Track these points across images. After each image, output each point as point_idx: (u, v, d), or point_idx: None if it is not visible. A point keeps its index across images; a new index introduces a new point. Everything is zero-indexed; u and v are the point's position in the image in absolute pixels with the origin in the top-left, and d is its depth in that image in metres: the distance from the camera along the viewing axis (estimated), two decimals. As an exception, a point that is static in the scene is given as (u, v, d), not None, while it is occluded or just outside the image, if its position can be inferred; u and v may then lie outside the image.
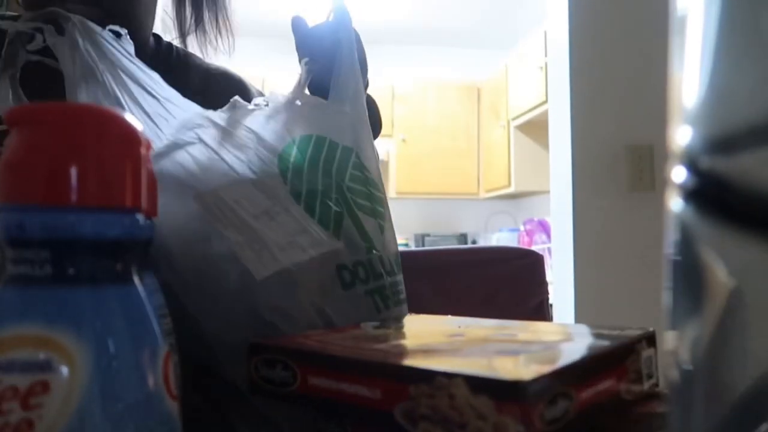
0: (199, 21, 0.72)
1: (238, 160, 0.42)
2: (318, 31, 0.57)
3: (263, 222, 0.40)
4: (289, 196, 0.42)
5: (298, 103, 0.48)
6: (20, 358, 0.19)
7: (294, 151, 0.45)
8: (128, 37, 0.44)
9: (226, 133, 0.43)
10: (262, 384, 0.34)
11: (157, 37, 0.73)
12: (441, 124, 3.84)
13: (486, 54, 4.10)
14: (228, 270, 0.39)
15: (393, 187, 3.81)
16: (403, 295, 0.47)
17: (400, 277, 0.47)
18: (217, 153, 0.42)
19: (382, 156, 3.78)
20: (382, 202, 0.49)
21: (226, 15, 0.74)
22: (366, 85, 0.63)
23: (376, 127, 0.67)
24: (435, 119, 3.84)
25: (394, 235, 0.50)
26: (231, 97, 0.72)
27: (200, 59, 0.76)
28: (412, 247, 3.90)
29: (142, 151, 0.23)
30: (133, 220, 0.22)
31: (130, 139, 0.22)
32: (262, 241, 0.40)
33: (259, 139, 0.44)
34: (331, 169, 0.45)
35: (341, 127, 0.48)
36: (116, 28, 0.43)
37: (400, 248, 0.54)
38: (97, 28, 0.42)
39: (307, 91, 0.53)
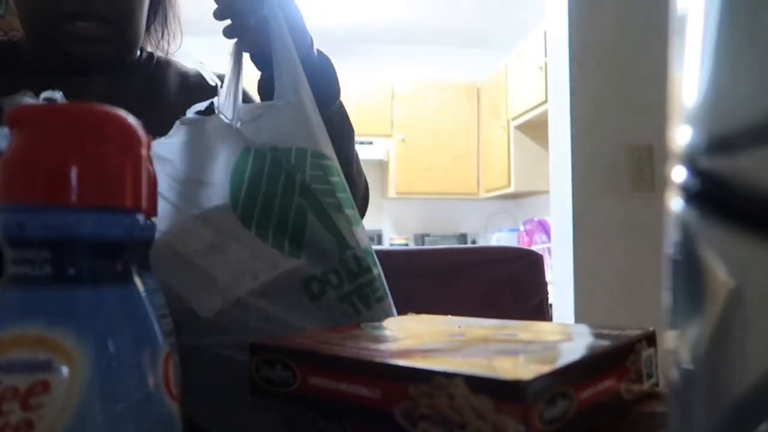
0: (149, 23, 0.76)
1: (181, 196, 0.42)
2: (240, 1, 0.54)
3: (211, 257, 0.40)
4: (238, 223, 0.42)
5: (238, 124, 0.47)
6: (20, 358, 0.19)
7: (249, 165, 0.44)
8: (64, 98, 0.44)
9: (170, 165, 0.44)
10: (262, 384, 0.34)
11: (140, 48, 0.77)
12: (441, 124, 3.84)
13: (486, 54, 4.10)
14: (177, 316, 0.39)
15: (393, 187, 3.81)
16: (383, 290, 0.46)
17: (377, 272, 0.46)
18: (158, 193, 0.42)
19: (382, 156, 3.78)
20: (347, 188, 0.48)
21: (175, 18, 0.78)
22: (311, 43, 0.59)
23: (333, 87, 0.63)
24: (435, 119, 3.84)
25: (364, 228, 0.49)
26: (207, 94, 0.72)
27: (180, 64, 0.78)
28: (412, 247, 3.90)
29: (142, 151, 0.23)
30: (134, 221, 0.22)
31: (130, 139, 0.22)
32: (210, 277, 0.39)
33: (209, 159, 0.44)
34: (293, 174, 0.45)
35: (290, 128, 0.47)
36: (50, 94, 0.43)
37: (401, 248, 0.54)
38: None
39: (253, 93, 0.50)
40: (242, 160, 0.45)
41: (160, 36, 0.78)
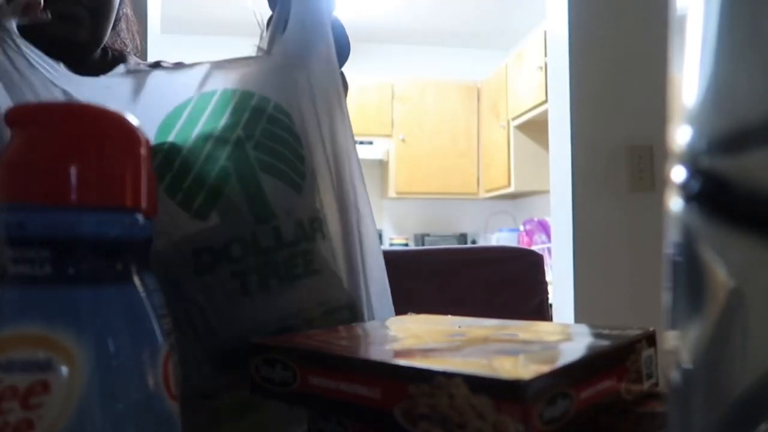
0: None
1: None
2: None
3: None
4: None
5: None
6: (20, 357, 0.19)
7: (189, 109, 0.40)
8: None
9: None
10: (263, 384, 0.34)
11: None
12: (441, 124, 3.84)
13: (486, 54, 4.10)
14: None
15: (393, 187, 3.81)
16: (311, 266, 0.42)
17: (313, 245, 0.42)
18: None
19: (382, 156, 3.78)
20: (305, 160, 0.44)
21: (129, 20, 0.81)
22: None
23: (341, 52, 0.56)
24: (435, 119, 3.84)
25: (319, 195, 0.44)
26: None
27: (135, 59, 0.80)
28: (412, 247, 3.91)
29: (142, 150, 0.23)
30: (133, 220, 0.22)
31: (131, 138, 0.22)
32: None
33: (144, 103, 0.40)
34: (237, 122, 0.41)
35: (260, 75, 0.43)
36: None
37: (400, 248, 0.53)
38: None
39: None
40: (174, 114, 0.40)
41: (117, 36, 0.80)
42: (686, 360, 0.14)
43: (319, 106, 0.46)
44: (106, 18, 0.70)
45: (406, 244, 3.97)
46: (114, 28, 0.77)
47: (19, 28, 0.68)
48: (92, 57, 0.74)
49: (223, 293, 0.38)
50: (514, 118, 3.33)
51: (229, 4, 3.28)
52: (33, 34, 0.65)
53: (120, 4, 0.77)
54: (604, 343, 0.32)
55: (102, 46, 0.76)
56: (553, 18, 1.79)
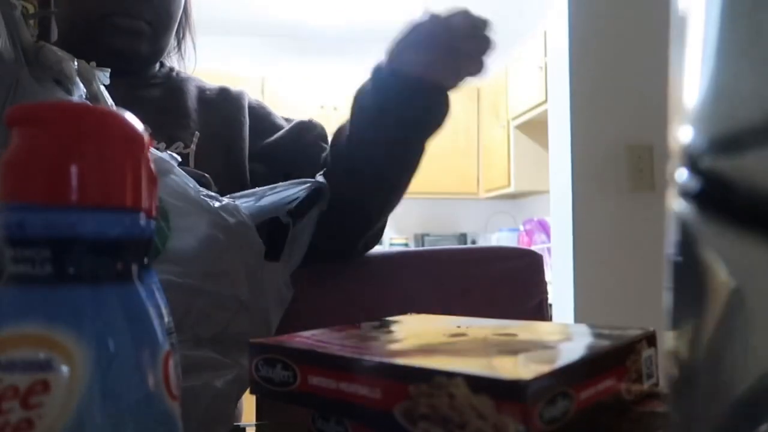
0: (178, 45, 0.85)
1: None
2: None
3: None
4: None
5: None
6: (20, 357, 0.19)
7: None
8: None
9: None
10: (263, 384, 0.34)
11: (161, 62, 0.84)
12: (441, 124, 3.84)
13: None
14: None
15: (393, 186, 3.81)
16: None
17: None
18: None
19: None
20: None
21: (192, 39, 0.87)
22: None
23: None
24: (435, 119, 3.84)
25: None
26: (226, 110, 0.75)
27: (200, 81, 0.84)
28: (412, 247, 3.90)
29: (143, 150, 0.23)
30: (134, 220, 0.22)
31: (131, 138, 0.22)
32: None
33: None
34: None
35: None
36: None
37: (400, 248, 0.53)
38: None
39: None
40: None
41: (177, 53, 0.85)
42: (686, 360, 0.14)
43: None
44: (166, 30, 0.74)
45: (406, 244, 3.97)
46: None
47: (82, 40, 0.73)
48: (154, 72, 0.78)
49: None
50: (514, 118, 3.33)
51: (237, 5, 3.28)
52: (96, 47, 0.67)
53: (180, 28, 0.81)
54: (604, 343, 0.32)
55: (161, 62, 0.80)
56: (553, 18, 1.79)
